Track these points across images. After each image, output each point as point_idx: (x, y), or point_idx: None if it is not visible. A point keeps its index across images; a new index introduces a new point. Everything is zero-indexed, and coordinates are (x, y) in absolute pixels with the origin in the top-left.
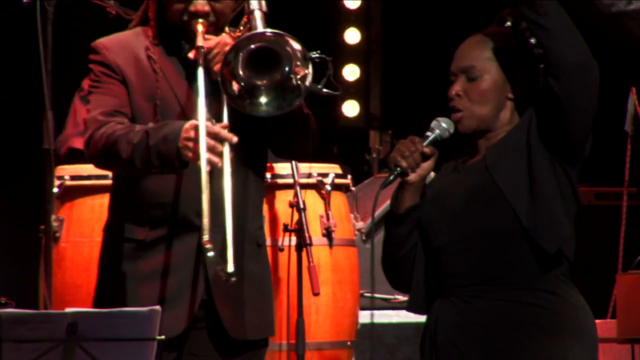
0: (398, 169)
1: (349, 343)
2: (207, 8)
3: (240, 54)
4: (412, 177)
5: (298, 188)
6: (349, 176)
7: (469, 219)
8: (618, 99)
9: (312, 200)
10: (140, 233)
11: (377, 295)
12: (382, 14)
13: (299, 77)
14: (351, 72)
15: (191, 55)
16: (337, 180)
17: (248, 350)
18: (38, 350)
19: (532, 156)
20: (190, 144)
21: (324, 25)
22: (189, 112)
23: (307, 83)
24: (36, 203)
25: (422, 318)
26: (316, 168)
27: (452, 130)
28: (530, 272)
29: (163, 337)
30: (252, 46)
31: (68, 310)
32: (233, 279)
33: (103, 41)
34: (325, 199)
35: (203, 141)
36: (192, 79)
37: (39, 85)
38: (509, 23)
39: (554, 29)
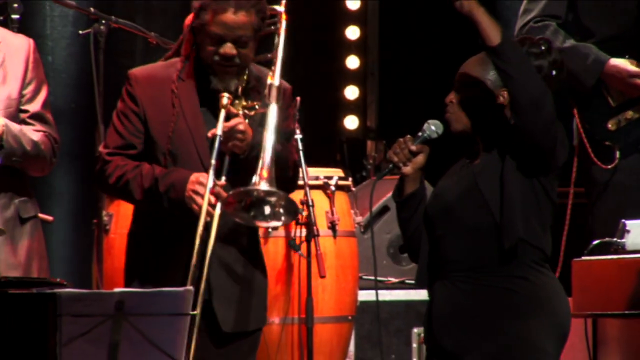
0: (391, 164)
1: (349, 317)
2: (234, 52)
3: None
4: (406, 170)
5: (307, 189)
6: (350, 179)
7: (460, 215)
8: (565, 119)
9: (319, 199)
10: (157, 243)
11: (370, 278)
12: (379, 43)
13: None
14: (352, 92)
15: (210, 134)
16: (340, 182)
17: (238, 339)
18: (91, 324)
19: (505, 170)
20: (195, 197)
21: (329, 53)
22: (199, 144)
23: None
24: (90, 202)
25: (410, 297)
26: (322, 172)
27: (440, 132)
28: (506, 261)
29: (195, 312)
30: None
31: (116, 290)
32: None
33: (136, 72)
34: (330, 197)
35: (207, 197)
36: (207, 115)
37: (93, 102)
38: None
39: (514, 75)
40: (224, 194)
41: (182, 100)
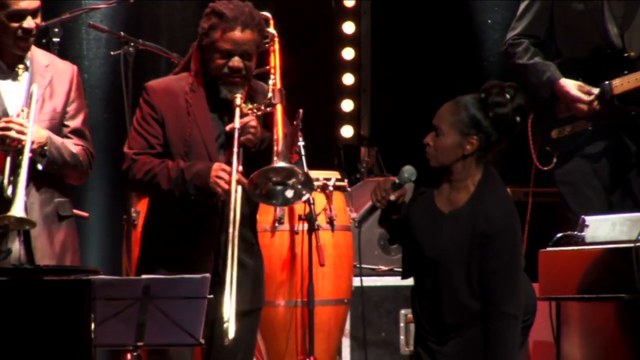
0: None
1: (345, 300)
2: (241, 65)
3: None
4: (383, 207)
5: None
6: (346, 180)
7: (433, 256)
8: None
9: (319, 198)
10: (170, 235)
11: (365, 266)
12: (371, 63)
13: (297, 190)
14: (347, 105)
15: (228, 128)
16: (337, 183)
17: (241, 317)
18: (121, 306)
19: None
20: (221, 182)
21: (328, 71)
22: (210, 147)
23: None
24: (121, 200)
25: (398, 282)
26: (322, 174)
27: (413, 178)
28: None
29: (212, 296)
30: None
31: (143, 276)
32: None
33: (153, 84)
34: (329, 196)
35: (234, 181)
36: (217, 121)
37: (122, 113)
38: (483, 94)
39: None
40: (245, 180)
41: (194, 108)
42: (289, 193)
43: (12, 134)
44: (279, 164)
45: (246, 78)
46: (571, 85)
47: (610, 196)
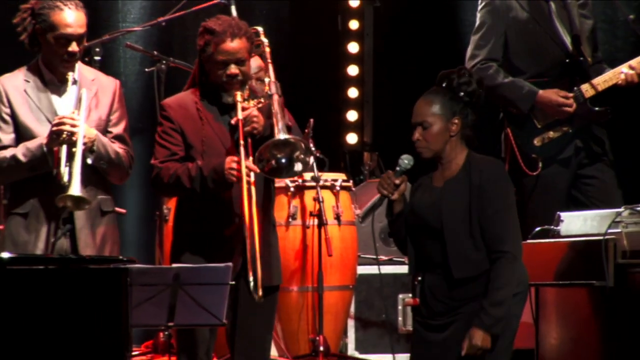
0: (381, 196)
1: (351, 286)
2: (237, 71)
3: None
4: (394, 197)
5: (318, 188)
6: (351, 181)
7: (435, 222)
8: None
9: (327, 196)
10: (199, 226)
11: (367, 256)
12: (373, 78)
13: (302, 160)
14: (352, 116)
15: (233, 121)
16: (344, 184)
17: (269, 293)
18: (154, 291)
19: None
20: (233, 172)
21: (335, 85)
22: (225, 143)
23: (307, 163)
24: (154, 199)
25: (396, 270)
26: (330, 176)
27: (412, 163)
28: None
29: (233, 282)
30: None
31: (174, 265)
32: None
33: (168, 101)
34: (336, 195)
35: (244, 169)
36: (226, 120)
37: (155, 122)
38: (444, 83)
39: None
40: (253, 166)
41: (205, 114)
42: (297, 166)
43: (66, 127)
44: (280, 135)
45: (244, 81)
46: (551, 94)
47: (581, 171)
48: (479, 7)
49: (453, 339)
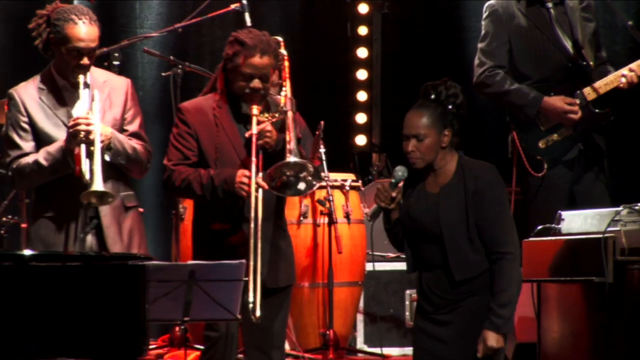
0: (379, 207)
1: (360, 282)
2: (260, 86)
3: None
4: (390, 207)
5: (329, 188)
6: (360, 181)
7: (433, 228)
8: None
9: (337, 196)
10: (215, 226)
11: (376, 253)
12: (381, 82)
13: (308, 181)
14: (361, 118)
15: (247, 134)
16: (353, 184)
17: (274, 293)
18: (170, 287)
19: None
20: (244, 186)
21: (345, 89)
22: (239, 152)
23: (312, 188)
24: (170, 198)
25: (404, 267)
26: (340, 176)
27: (406, 175)
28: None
29: (246, 279)
30: (287, 173)
31: (189, 262)
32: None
33: (186, 105)
34: (346, 195)
35: (253, 186)
36: (241, 129)
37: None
38: (433, 95)
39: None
40: (262, 183)
41: (222, 121)
42: (301, 185)
43: (82, 127)
44: (290, 158)
45: (264, 96)
46: (557, 101)
47: (576, 186)
48: (483, 17)
49: (455, 334)
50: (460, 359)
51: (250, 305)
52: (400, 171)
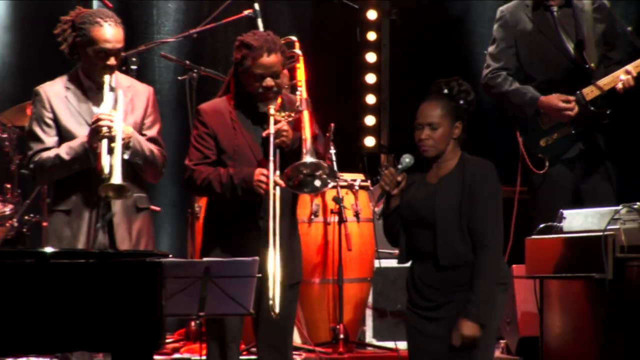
0: (383, 190)
1: (368, 279)
2: (272, 83)
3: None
4: (394, 192)
5: (339, 188)
6: (369, 181)
7: (428, 215)
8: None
9: (347, 195)
10: (229, 224)
11: (383, 250)
12: (389, 85)
13: (323, 179)
14: (370, 121)
15: (264, 134)
16: (362, 184)
17: (291, 289)
18: (186, 283)
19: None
20: (262, 184)
21: (354, 93)
22: (255, 152)
23: (327, 184)
24: (186, 197)
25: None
26: (349, 176)
27: (412, 162)
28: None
29: (260, 275)
30: (304, 171)
31: (204, 259)
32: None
33: (204, 107)
34: (355, 194)
35: (272, 184)
36: (258, 129)
37: (187, 126)
38: (446, 90)
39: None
40: (279, 181)
41: (238, 122)
42: (317, 183)
43: (104, 122)
44: (307, 158)
45: (277, 92)
46: (553, 99)
47: (582, 185)
48: (495, 21)
49: (445, 330)
50: (452, 353)
51: (270, 302)
52: (407, 158)
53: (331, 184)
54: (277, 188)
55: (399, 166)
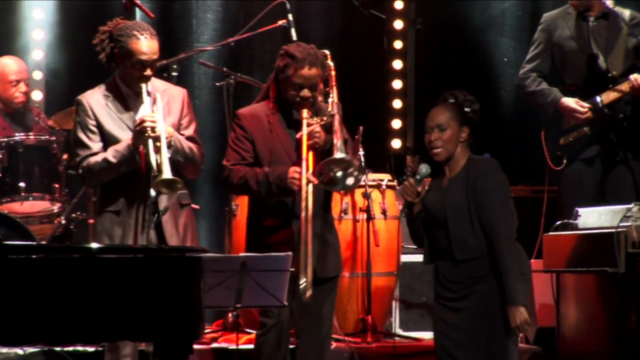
0: (406, 201)
1: (395, 272)
2: (309, 94)
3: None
4: (415, 201)
5: (367, 187)
6: (395, 181)
7: (441, 215)
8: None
9: (375, 194)
10: (267, 222)
11: (410, 246)
12: (415, 91)
13: (355, 176)
14: (397, 124)
15: (298, 135)
16: (389, 183)
17: (322, 283)
18: (224, 277)
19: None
20: (295, 181)
21: (382, 98)
22: (290, 155)
23: (358, 180)
24: (224, 196)
25: None
26: (377, 176)
27: (429, 172)
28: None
29: (293, 269)
30: (335, 170)
31: (241, 254)
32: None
33: (242, 111)
34: (382, 193)
35: (304, 180)
36: (293, 134)
37: (224, 129)
38: (452, 100)
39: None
40: (312, 178)
41: (275, 127)
42: (349, 181)
43: (148, 123)
44: (338, 155)
45: (312, 103)
46: (570, 102)
47: (603, 183)
48: (538, 25)
49: (469, 319)
50: (475, 342)
51: (302, 285)
52: (424, 168)
53: (362, 180)
54: (310, 185)
55: (417, 177)
